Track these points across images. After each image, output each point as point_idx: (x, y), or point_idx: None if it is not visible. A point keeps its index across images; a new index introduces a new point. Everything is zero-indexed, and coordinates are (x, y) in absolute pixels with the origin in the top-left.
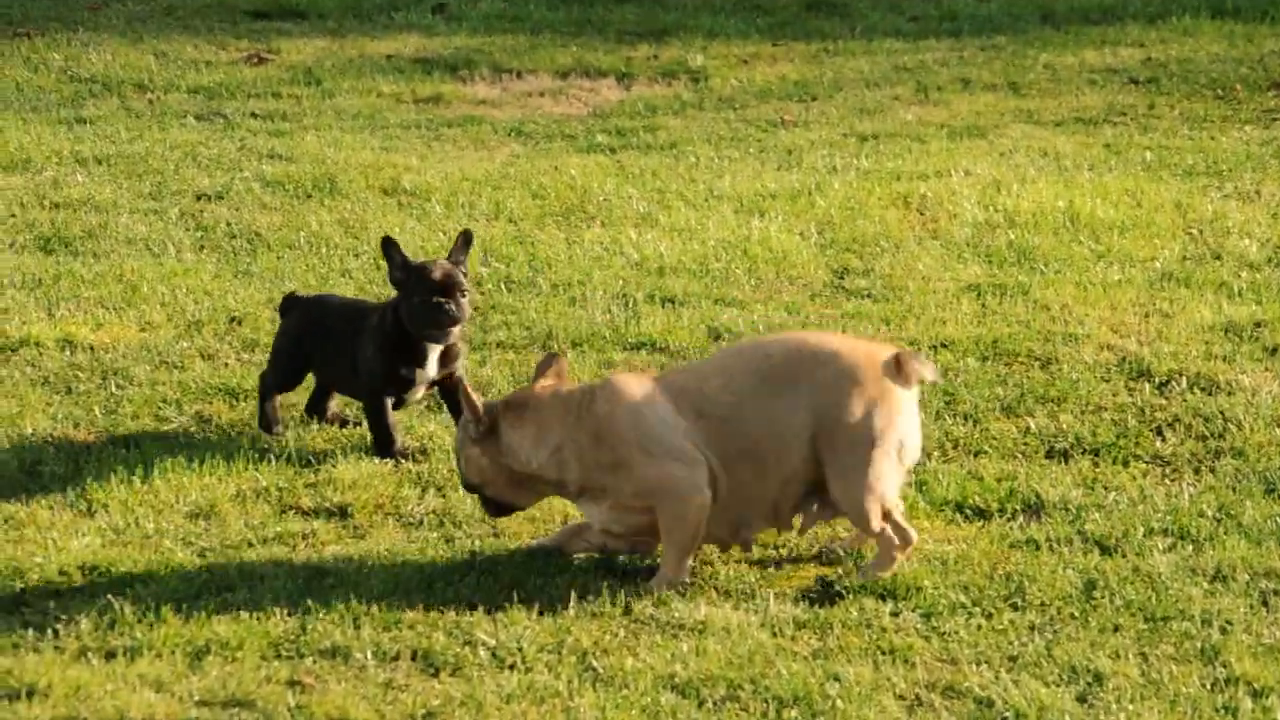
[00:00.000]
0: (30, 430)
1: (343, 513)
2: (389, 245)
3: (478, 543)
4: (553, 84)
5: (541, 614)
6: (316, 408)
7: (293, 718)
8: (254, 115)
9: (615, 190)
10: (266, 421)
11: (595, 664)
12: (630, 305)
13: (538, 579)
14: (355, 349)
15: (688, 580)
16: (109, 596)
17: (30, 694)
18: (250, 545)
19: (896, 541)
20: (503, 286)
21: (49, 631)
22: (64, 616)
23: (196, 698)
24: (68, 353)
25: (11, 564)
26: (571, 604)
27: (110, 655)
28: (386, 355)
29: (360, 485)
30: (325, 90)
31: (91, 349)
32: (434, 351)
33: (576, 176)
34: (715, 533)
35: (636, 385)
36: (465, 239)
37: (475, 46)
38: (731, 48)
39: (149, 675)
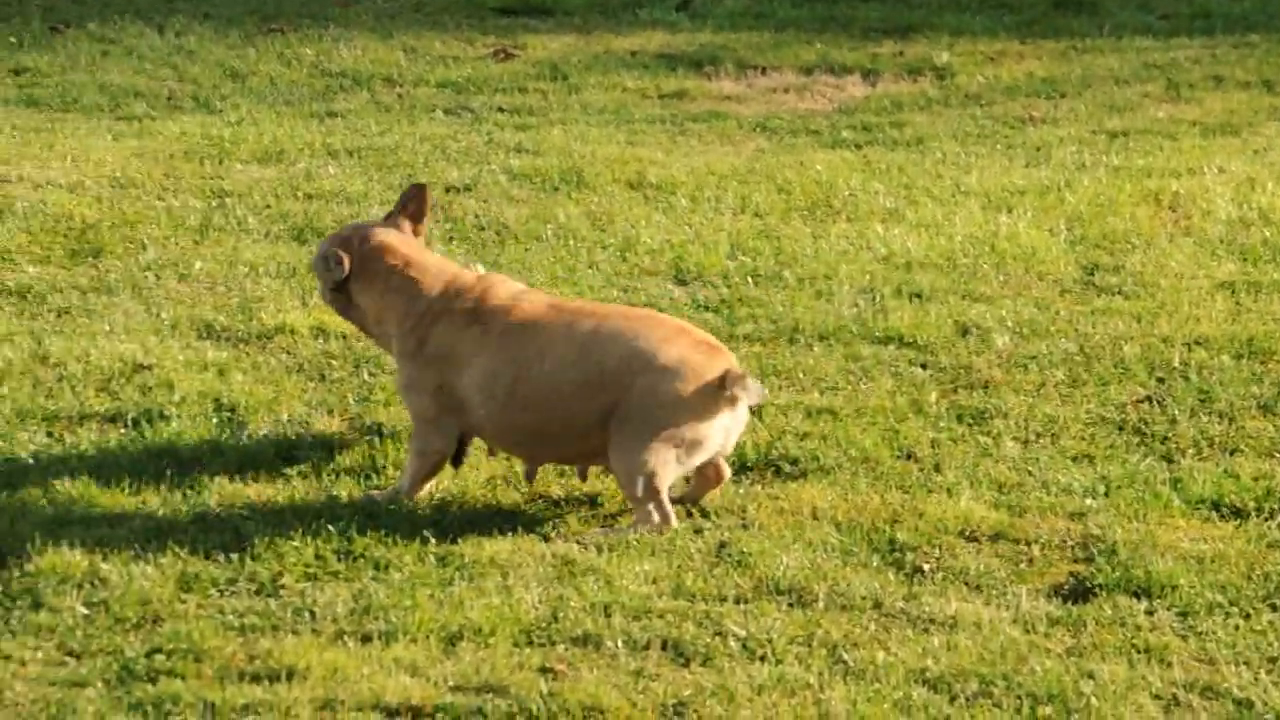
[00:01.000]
0: (285, 416)
1: (592, 502)
2: None
3: (727, 534)
4: (797, 80)
5: (791, 606)
6: None
7: (545, 704)
8: (501, 110)
9: (861, 185)
10: None
11: (846, 657)
12: (877, 300)
13: (788, 571)
14: None
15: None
16: (364, 581)
17: (289, 675)
18: (501, 533)
19: (655, 519)
20: (749, 280)
21: (307, 615)
22: (321, 600)
23: (450, 682)
24: (321, 340)
25: (270, 548)
26: (821, 597)
27: (366, 639)
28: None
29: (609, 475)
30: (571, 85)
31: (344, 337)
32: None
33: (822, 171)
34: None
35: (480, 316)
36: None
37: (720, 43)
38: (978, 45)
39: (404, 659)
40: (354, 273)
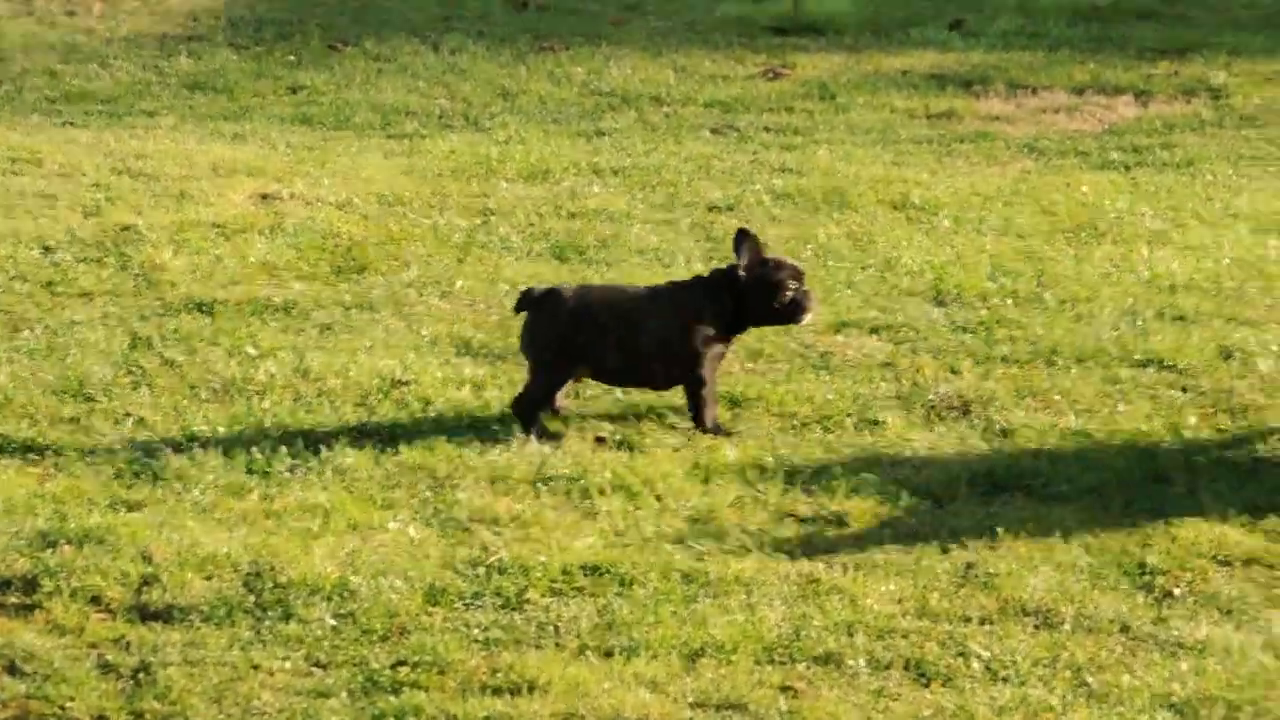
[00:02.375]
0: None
1: (839, 521)
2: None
3: (974, 554)
4: (1068, 100)
5: (1037, 628)
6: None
7: None
8: (767, 129)
9: (1128, 207)
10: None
11: (1090, 680)
12: (1138, 322)
13: (1035, 593)
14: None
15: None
16: (608, 597)
17: (531, 689)
18: (747, 550)
19: None
20: (1009, 301)
21: (550, 629)
22: (565, 615)
23: (690, 699)
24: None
25: (518, 562)
26: (1068, 619)
27: (608, 654)
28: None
29: (858, 494)
30: (839, 105)
31: None
32: None
33: (1088, 193)
34: None
35: None
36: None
37: (991, 63)
38: (1256, 65)
39: (645, 675)
40: None
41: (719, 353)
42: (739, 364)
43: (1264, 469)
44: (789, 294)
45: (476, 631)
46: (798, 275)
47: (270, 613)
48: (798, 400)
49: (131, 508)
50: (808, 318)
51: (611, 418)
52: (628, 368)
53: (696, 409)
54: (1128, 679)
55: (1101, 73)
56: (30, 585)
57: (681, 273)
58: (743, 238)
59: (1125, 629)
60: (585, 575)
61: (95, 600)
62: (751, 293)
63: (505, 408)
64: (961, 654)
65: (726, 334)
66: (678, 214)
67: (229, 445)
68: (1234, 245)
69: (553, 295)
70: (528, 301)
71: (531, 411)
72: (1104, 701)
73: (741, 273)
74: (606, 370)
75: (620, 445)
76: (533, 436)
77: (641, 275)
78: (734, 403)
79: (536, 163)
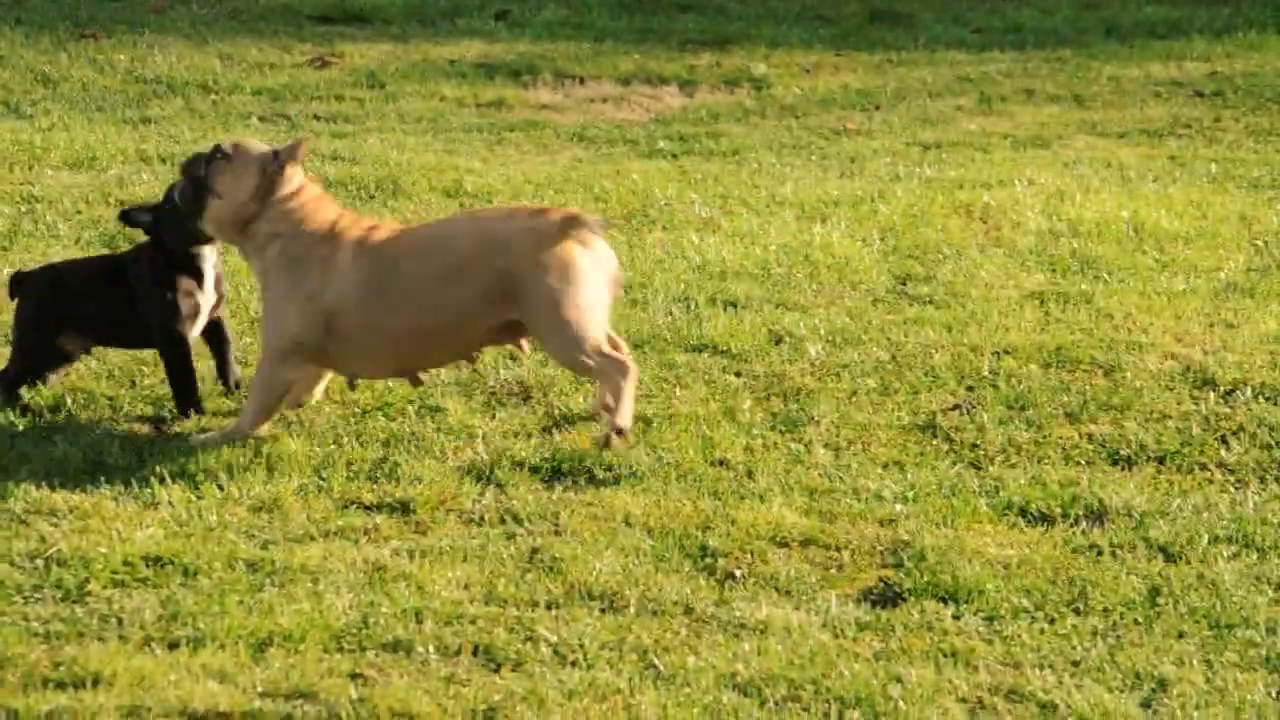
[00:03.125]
0: (93, 421)
1: (404, 508)
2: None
3: (539, 539)
4: (615, 90)
5: (603, 612)
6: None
7: (355, 710)
8: (317, 117)
9: (677, 195)
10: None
11: (657, 662)
12: (692, 308)
13: (601, 577)
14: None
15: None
16: (172, 587)
17: (95, 683)
18: (312, 539)
19: (617, 375)
20: None
21: (113, 621)
22: (128, 606)
23: (259, 689)
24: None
25: (78, 554)
26: (633, 602)
27: (174, 645)
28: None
29: (422, 481)
30: (389, 94)
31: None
32: None
33: (639, 181)
34: (382, 372)
35: (348, 241)
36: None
37: (538, 53)
38: (794, 57)
39: (212, 666)
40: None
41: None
42: None
43: (815, 451)
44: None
45: (37, 624)
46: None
47: None
48: (359, 388)
49: None
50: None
51: (165, 404)
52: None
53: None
54: (693, 660)
55: (646, 63)
56: None
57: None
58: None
59: (689, 610)
60: (148, 566)
61: None
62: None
63: (51, 399)
64: (530, 638)
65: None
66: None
67: None
68: (780, 232)
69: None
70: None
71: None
72: (671, 683)
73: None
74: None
75: (177, 435)
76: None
77: None
78: None
79: (82, 150)
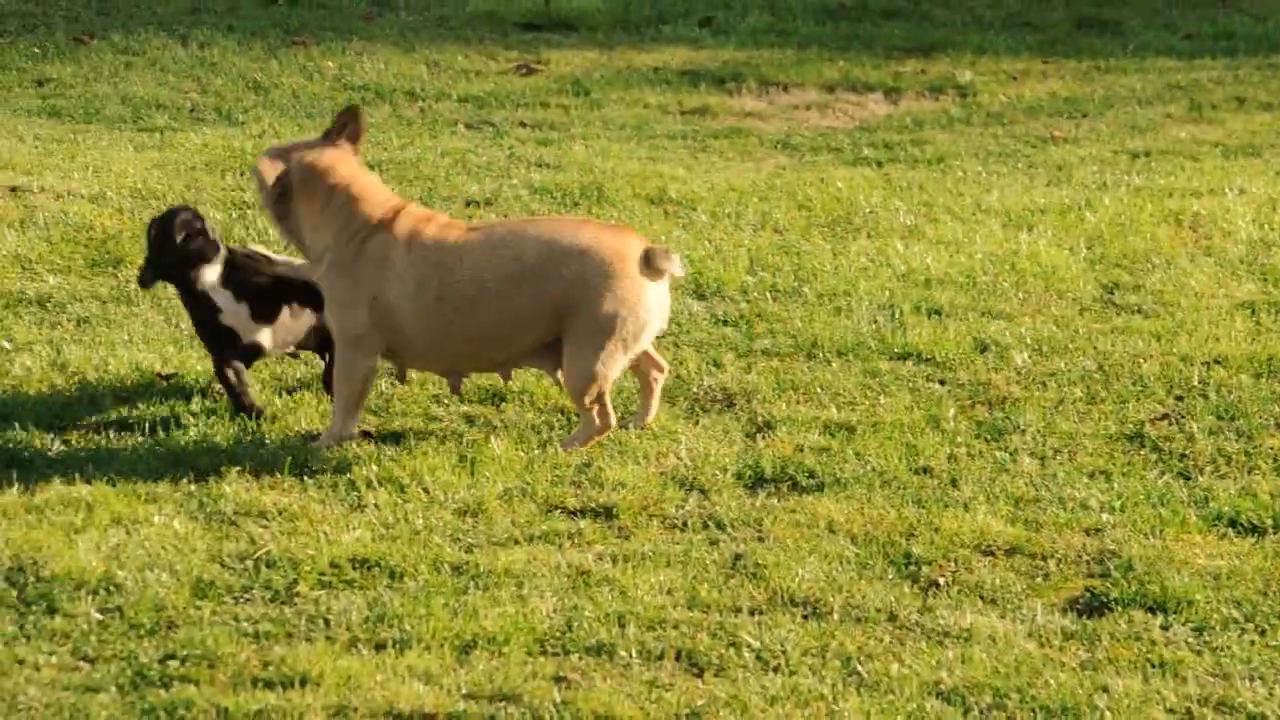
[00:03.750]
0: (303, 424)
1: (608, 513)
2: None
3: (742, 545)
4: (819, 97)
5: (806, 618)
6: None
7: (558, 713)
8: (523, 124)
9: (881, 203)
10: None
11: (860, 669)
12: (896, 316)
13: (804, 583)
14: None
15: (354, 435)
16: (378, 589)
17: (303, 683)
18: (516, 543)
19: (597, 424)
20: (768, 295)
21: (321, 622)
22: (335, 608)
23: (464, 690)
24: None
25: (286, 555)
26: (836, 609)
27: (380, 647)
28: None
29: (626, 486)
30: (593, 101)
31: None
32: None
33: (843, 189)
34: (426, 370)
35: (402, 239)
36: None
37: (742, 60)
38: (1001, 64)
39: (417, 667)
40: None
41: None
42: None
43: (1021, 460)
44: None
45: (246, 625)
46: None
47: (34, 607)
48: (563, 393)
49: None
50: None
51: (373, 410)
52: None
53: None
54: (897, 667)
55: (851, 70)
56: None
57: None
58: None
59: (893, 618)
60: (355, 568)
61: None
62: None
63: (269, 398)
64: (733, 644)
65: None
66: (436, 206)
67: None
68: (986, 240)
69: None
70: None
71: None
72: (874, 690)
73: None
74: None
75: (385, 438)
76: None
77: None
78: (499, 396)
79: None
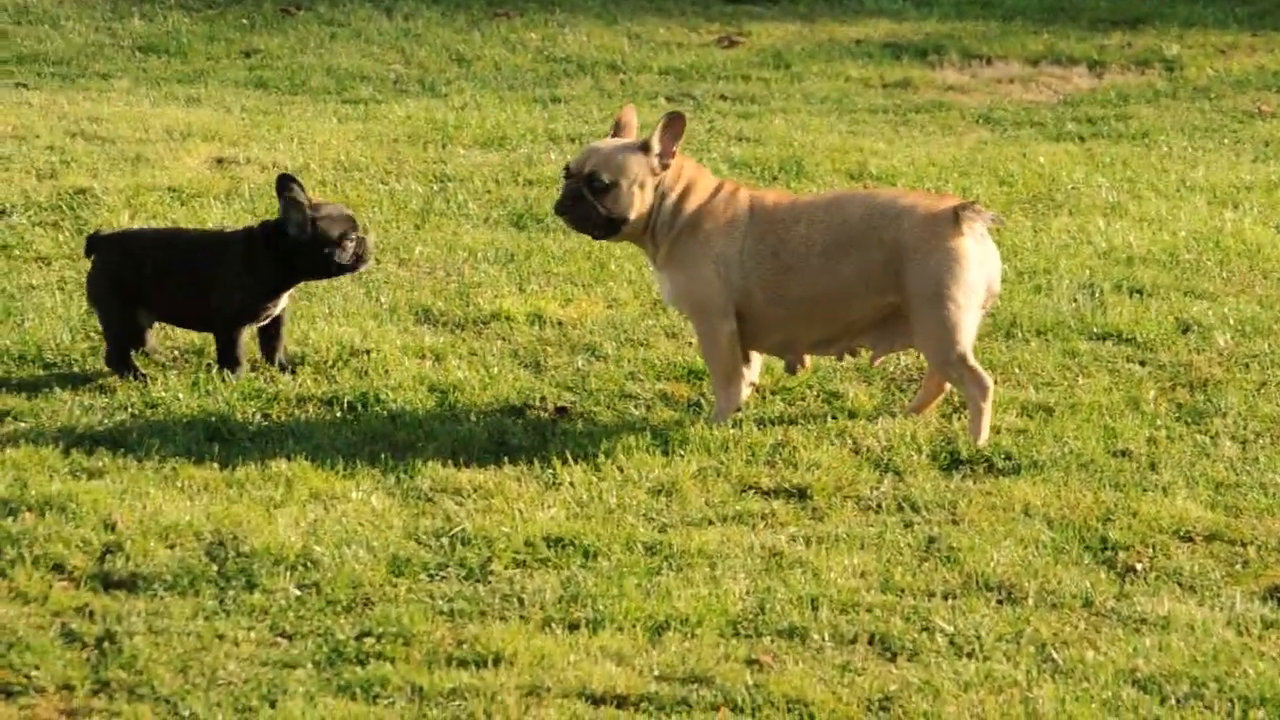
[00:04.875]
0: (499, 401)
1: (801, 494)
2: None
3: (936, 529)
4: (1023, 71)
5: (1000, 603)
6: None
7: (750, 696)
8: (723, 97)
9: (1084, 179)
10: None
11: (1055, 655)
12: (1096, 295)
13: (998, 567)
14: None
15: (740, 408)
16: (572, 569)
17: (496, 661)
18: (710, 523)
19: (974, 390)
20: None
21: (515, 601)
22: (530, 587)
23: (656, 672)
24: (536, 327)
25: (481, 533)
26: (1031, 594)
27: (573, 627)
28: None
29: (820, 467)
30: (794, 74)
31: (559, 324)
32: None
33: (1045, 164)
34: (762, 349)
35: (740, 207)
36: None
37: (945, 32)
38: (1209, 37)
39: (610, 647)
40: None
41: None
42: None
43: (1222, 444)
44: (349, 246)
45: (441, 603)
46: (352, 224)
47: (234, 582)
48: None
49: (93, 475)
50: (366, 266)
51: (568, 388)
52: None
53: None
54: (1092, 654)
55: (1055, 43)
56: None
57: None
58: (285, 186)
59: (1088, 604)
60: (549, 547)
61: (58, 568)
62: (306, 248)
63: (465, 374)
64: (926, 629)
65: (269, 290)
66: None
67: (190, 413)
68: (1190, 217)
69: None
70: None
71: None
72: (1069, 677)
73: (293, 230)
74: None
75: (581, 416)
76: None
77: (604, 242)
78: (696, 374)
79: (493, 129)
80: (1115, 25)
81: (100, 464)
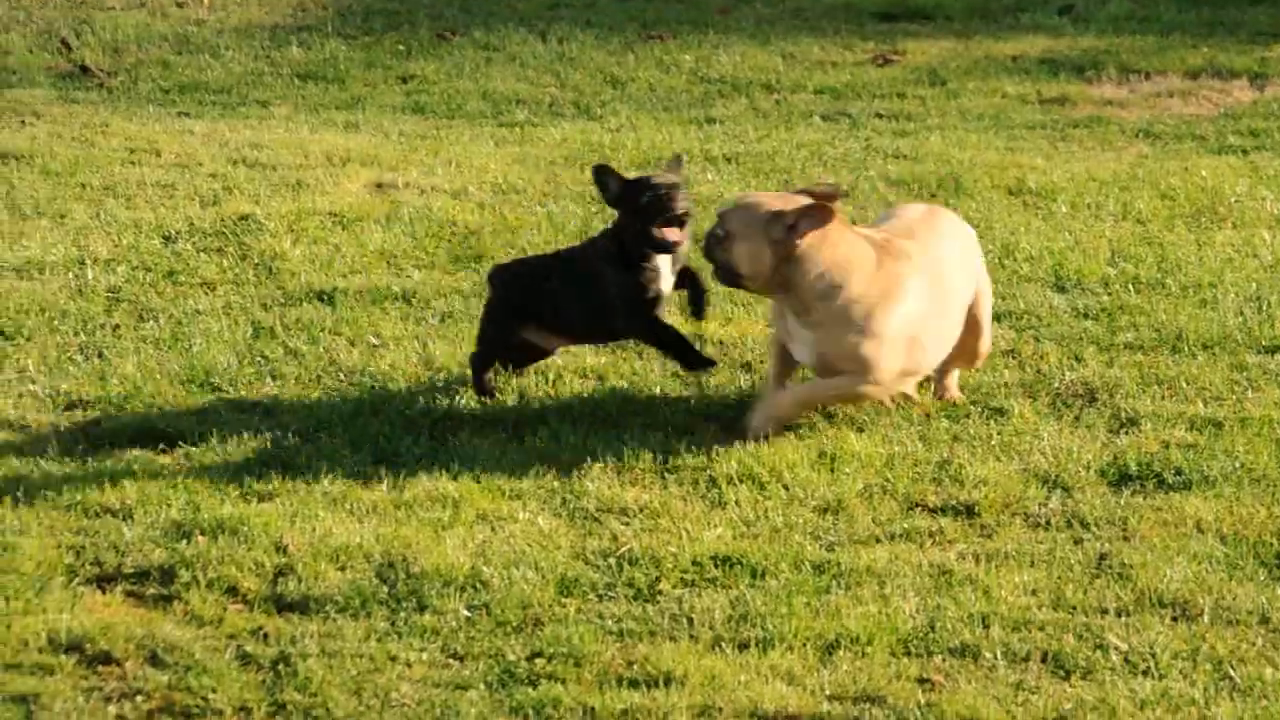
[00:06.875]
0: (663, 421)
1: (969, 511)
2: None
3: (1107, 545)
4: (1182, 85)
5: (1175, 620)
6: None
7: (922, 715)
8: (879, 115)
9: (1247, 192)
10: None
11: (1232, 673)
12: (1264, 308)
13: (1172, 584)
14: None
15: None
16: (740, 588)
17: (668, 682)
18: (878, 541)
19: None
20: (1130, 287)
21: (684, 621)
22: (698, 606)
23: (827, 691)
24: (699, 346)
25: (649, 553)
26: (1206, 610)
27: (743, 646)
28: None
29: (987, 484)
30: (950, 91)
31: (721, 343)
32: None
33: (1207, 178)
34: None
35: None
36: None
37: (1102, 47)
38: None
39: (780, 667)
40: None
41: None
42: None
43: None
44: (659, 205)
45: (610, 623)
46: (663, 188)
47: (405, 604)
48: (922, 389)
49: (263, 498)
50: (681, 220)
51: (733, 406)
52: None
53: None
54: (1270, 672)
55: (1215, 56)
56: (167, 576)
57: None
58: (600, 172)
59: (1265, 620)
60: (717, 566)
61: (232, 591)
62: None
63: (626, 396)
64: (1099, 646)
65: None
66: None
67: (356, 435)
68: None
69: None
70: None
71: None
72: (1247, 695)
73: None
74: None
75: (742, 435)
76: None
77: None
78: None
79: (648, 150)
80: (1276, 38)
81: (270, 487)
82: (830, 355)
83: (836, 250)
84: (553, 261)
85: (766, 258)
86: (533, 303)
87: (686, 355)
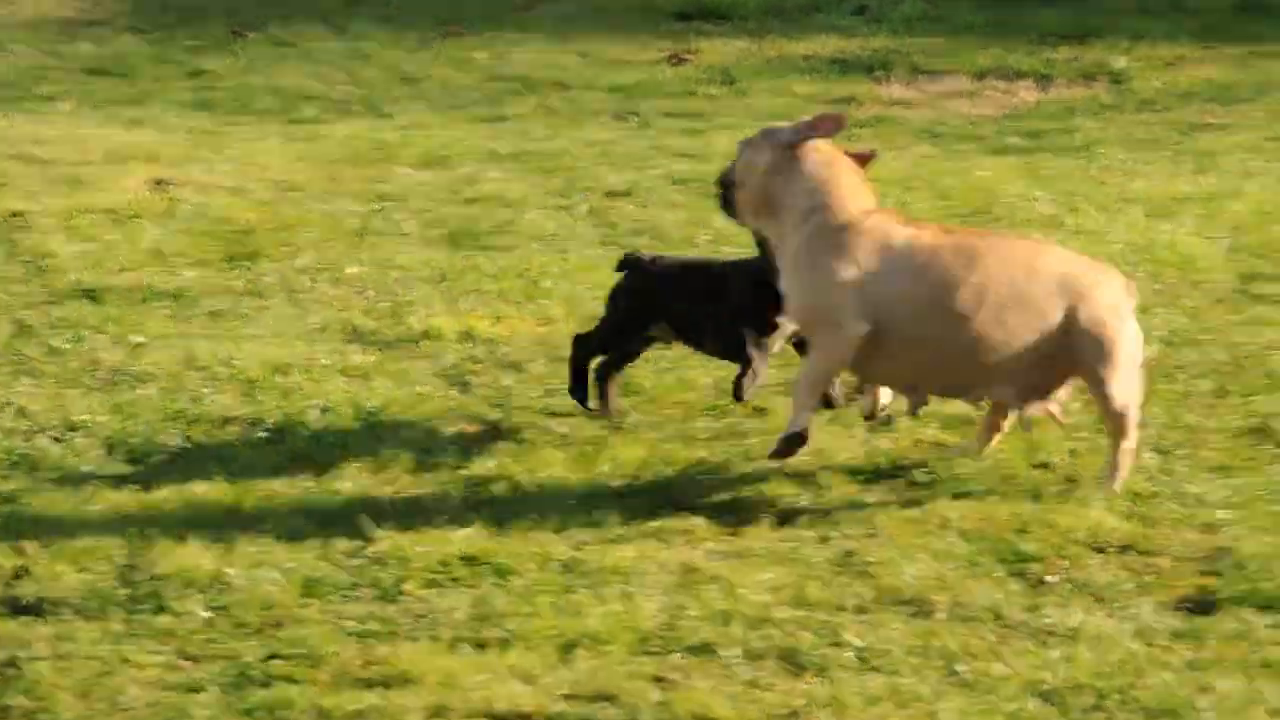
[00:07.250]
0: (424, 420)
1: (722, 510)
2: None
3: (853, 543)
4: (969, 85)
5: (911, 617)
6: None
7: (655, 714)
8: (668, 115)
9: (1022, 192)
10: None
11: (961, 669)
12: None
13: (911, 581)
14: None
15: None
16: (486, 587)
17: (404, 682)
18: (627, 540)
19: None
20: None
21: (426, 621)
22: (442, 606)
23: (563, 690)
24: (467, 345)
25: (398, 551)
26: (942, 608)
27: (482, 646)
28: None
29: (743, 481)
30: (740, 89)
31: (490, 342)
32: None
33: (984, 177)
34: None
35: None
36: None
37: (894, 48)
38: (1157, 50)
39: (519, 667)
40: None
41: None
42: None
43: (1141, 455)
44: None
45: (352, 623)
46: None
47: (143, 605)
48: (682, 388)
49: (5, 499)
50: None
51: (495, 405)
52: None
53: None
54: (999, 667)
55: (1004, 58)
56: None
57: (576, 258)
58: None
59: (998, 617)
60: (464, 565)
61: None
62: None
63: (391, 394)
64: (835, 643)
65: None
66: (575, 199)
67: (110, 435)
68: (1127, 229)
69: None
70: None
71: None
72: (973, 690)
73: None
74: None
75: (502, 434)
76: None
77: (538, 260)
78: (629, 390)
79: (435, 149)
80: (1064, 39)
81: (13, 487)
82: (792, 295)
83: (832, 169)
84: (702, 267)
85: (764, 159)
86: (672, 302)
87: (747, 389)
